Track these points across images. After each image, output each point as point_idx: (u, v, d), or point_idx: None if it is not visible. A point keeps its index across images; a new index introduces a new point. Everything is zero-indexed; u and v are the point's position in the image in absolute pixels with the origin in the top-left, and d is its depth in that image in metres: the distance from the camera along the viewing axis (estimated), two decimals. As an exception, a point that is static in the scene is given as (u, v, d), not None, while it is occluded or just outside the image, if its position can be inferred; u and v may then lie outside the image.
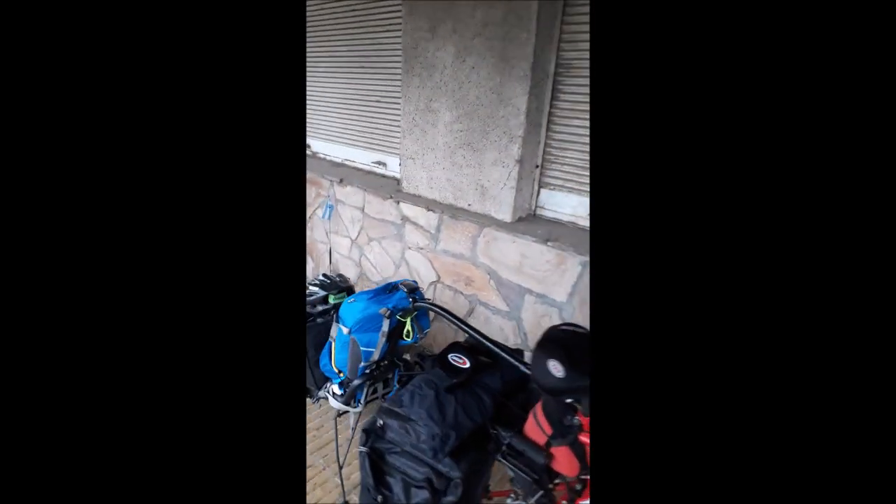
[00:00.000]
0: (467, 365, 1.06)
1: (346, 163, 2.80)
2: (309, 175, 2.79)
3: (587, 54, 1.61)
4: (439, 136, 1.99)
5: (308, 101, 2.95)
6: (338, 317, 1.36)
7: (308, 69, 2.84)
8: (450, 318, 1.11)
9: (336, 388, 1.47)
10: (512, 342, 1.90)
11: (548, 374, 0.81)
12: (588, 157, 1.70)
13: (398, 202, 2.22)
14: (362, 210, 2.46)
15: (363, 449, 1.00)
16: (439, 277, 2.15)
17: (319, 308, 1.60)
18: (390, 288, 1.40)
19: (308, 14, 2.66)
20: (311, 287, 1.61)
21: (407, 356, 1.52)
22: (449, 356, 1.06)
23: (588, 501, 0.91)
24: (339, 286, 1.62)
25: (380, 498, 1.00)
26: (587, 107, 1.66)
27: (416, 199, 2.15)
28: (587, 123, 1.67)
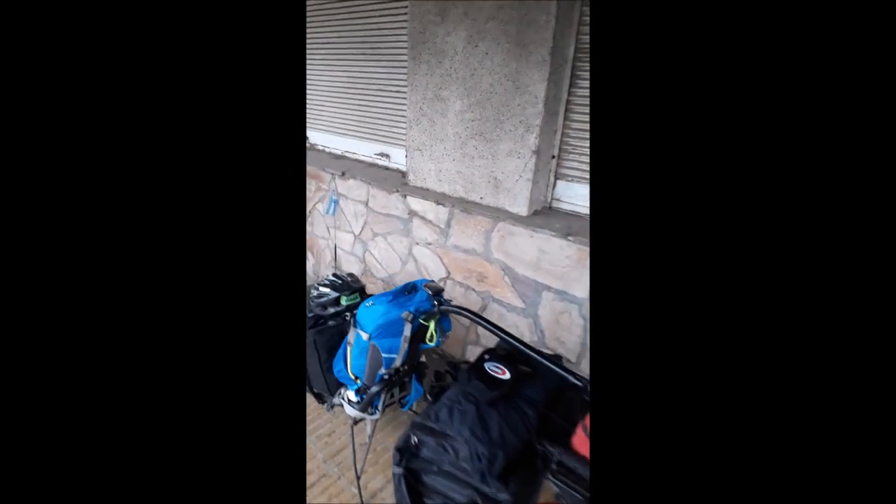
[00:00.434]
0: (507, 375, 0.99)
1: (347, 155, 2.69)
2: (308, 168, 2.67)
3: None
4: (449, 126, 1.90)
5: (308, 92, 2.83)
6: (355, 321, 1.28)
7: (306, 57, 2.71)
8: (483, 323, 1.03)
9: (352, 395, 1.40)
10: (528, 339, 1.84)
11: None
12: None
13: (405, 196, 2.13)
14: (366, 204, 2.37)
15: (398, 470, 0.93)
16: (449, 273, 2.08)
17: (331, 310, 1.51)
18: (409, 288, 1.32)
19: (304, -2, 2.53)
20: (321, 288, 1.53)
21: (423, 358, 1.45)
22: (486, 365, 0.98)
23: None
24: (352, 287, 1.53)
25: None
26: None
27: (424, 193, 2.07)
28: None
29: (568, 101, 1.69)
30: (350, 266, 2.64)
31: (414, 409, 1.52)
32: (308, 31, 2.62)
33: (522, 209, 1.78)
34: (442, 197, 2.01)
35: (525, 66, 1.60)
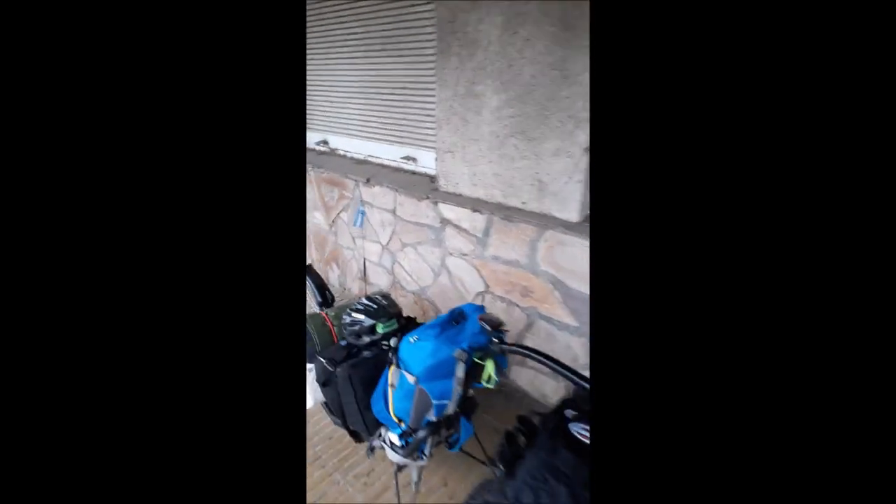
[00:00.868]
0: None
1: (370, 159, 2.52)
2: (330, 175, 2.52)
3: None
4: (484, 124, 1.71)
5: (322, 93, 2.67)
6: (398, 359, 1.11)
7: (320, 56, 2.56)
8: (560, 369, 0.84)
9: (395, 438, 1.23)
10: (582, 362, 1.64)
11: None
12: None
13: (436, 203, 1.95)
14: (393, 212, 2.20)
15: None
16: (488, 287, 1.90)
17: (366, 339, 1.35)
18: (456, 316, 1.14)
19: (318, -6, 2.36)
20: (354, 314, 1.36)
21: (471, 392, 1.27)
22: (570, 427, 0.80)
23: None
24: (389, 312, 1.36)
25: None
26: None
27: (457, 199, 1.88)
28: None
29: (623, 90, 1.48)
30: (378, 278, 2.48)
31: (464, 448, 1.35)
32: (323, 27, 2.45)
33: (573, 215, 1.57)
34: (477, 203, 1.82)
35: (573, 52, 1.40)
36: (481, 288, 1.92)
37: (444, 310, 2.15)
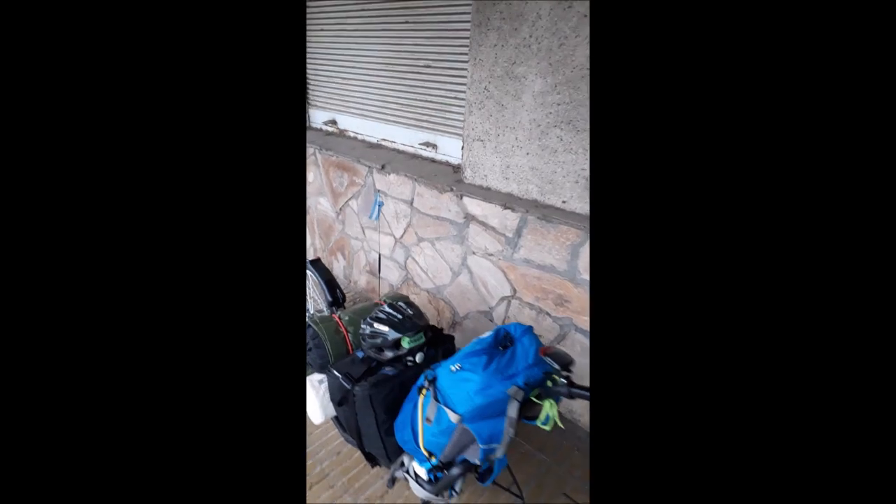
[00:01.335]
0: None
1: (384, 143, 2.32)
2: (340, 159, 2.32)
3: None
4: (524, 111, 1.51)
5: (332, 69, 2.44)
6: (435, 390, 0.94)
7: (332, 27, 2.32)
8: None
9: (421, 471, 1.07)
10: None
11: None
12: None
13: (461, 196, 1.77)
14: (410, 204, 2.01)
15: None
16: (515, 292, 1.73)
17: (389, 354, 1.18)
18: (502, 340, 0.97)
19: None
20: (375, 325, 1.19)
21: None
22: None
23: None
24: (416, 324, 1.19)
25: None
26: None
27: (485, 193, 1.70)
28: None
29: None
30: (389, 273, 2.30)
31: (498, 482, 1.20)
32: (338, -5, 2.21)
33: (622, 219, 1.40)
34: (509, 199, 1.64)
35: (641, 31, 1.20)
36: (507, 292, 1.76)
37: (462, 311, 1.99)
